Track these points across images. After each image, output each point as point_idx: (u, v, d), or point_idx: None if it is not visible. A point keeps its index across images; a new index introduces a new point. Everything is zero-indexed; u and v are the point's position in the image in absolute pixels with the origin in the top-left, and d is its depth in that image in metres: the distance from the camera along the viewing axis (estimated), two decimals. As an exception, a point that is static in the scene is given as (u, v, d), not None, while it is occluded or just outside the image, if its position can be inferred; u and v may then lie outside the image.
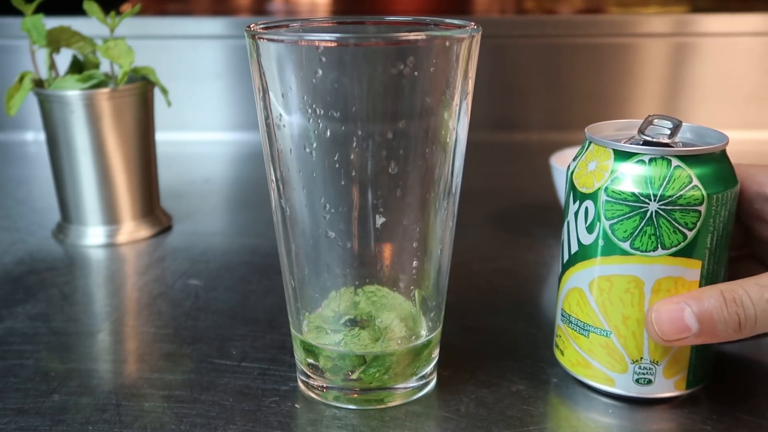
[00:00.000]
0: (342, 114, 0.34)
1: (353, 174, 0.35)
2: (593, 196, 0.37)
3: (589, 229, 0.37)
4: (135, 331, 0.48)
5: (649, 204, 0.35)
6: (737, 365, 0.44)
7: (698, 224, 0.35)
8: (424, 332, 0.39)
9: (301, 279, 0.39)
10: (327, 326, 0.39)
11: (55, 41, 0.59)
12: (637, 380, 0.37)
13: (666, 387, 0.38)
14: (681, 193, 0.35)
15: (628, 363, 0.37)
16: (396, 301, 0.38)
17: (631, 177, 0.36)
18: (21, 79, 0.59)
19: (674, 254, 0.35)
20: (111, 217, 0.62)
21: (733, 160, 0.38)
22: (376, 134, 0.35)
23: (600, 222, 0.36)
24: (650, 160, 0.35)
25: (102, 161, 0.60)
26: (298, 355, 0.40)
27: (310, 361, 0.39)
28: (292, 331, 0.40)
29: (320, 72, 0.33)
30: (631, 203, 0.35)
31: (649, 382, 0.37)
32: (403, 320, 0.38)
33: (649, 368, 0.37)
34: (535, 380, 0.41)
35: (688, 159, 0.35)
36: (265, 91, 0.35)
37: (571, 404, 0.39)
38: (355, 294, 0.38)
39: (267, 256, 0.59)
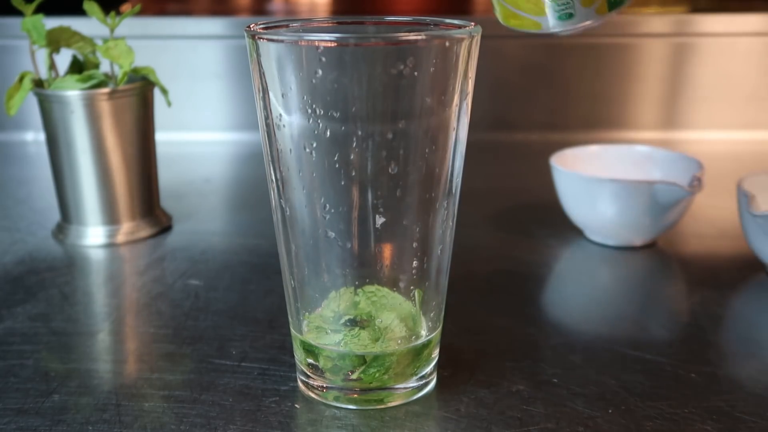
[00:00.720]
0: (342, 114, 0.34)
1: (353, 174, 0.35)
2: None
3: None
4: (135, 331, 0.48)
5: None
6: (737, 364, 0.44)
7: None
8: (424, 332, 0.39)
9: (301, 279, 0.39)
10: (327, 326, 0.39)
11: (55, 41, 0.59)
12: (559, 17, 0.38)
13: (588, 15, 0.38)
14: None
15: (546, 3, 0.38)
16: (396, 301, 0.38)
17: None
18: (21, 79, 0.59)
19: None
20: (111, 217, 0.62)
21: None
22: (376, 134, 0.35)
23: None
24: None
25: (102, 161, 0.60)
26: (298, 355, 0.40)
27: (310, 361, 0.39)
28: (292, 331, 0.40)
29: (320, 72, 0.33)
30: None
31: (571, 15, 0.38)
32: (403, 320, 0.38)
33: (567, 3, 0.37)
34: (535, 380, 0.41)
35: None
36: (265, 91, 0.35)
37: (571, 404, 0.39)
38: (355, 294, 0.38)
39: (267, 256, 0.59)
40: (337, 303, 0.38)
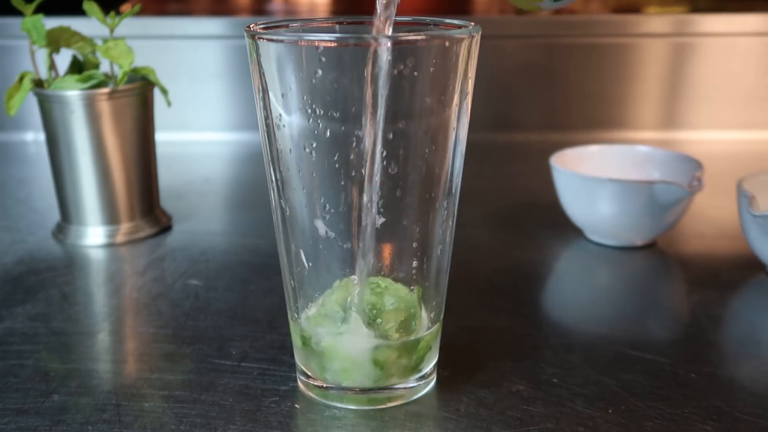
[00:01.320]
0: (342, 114, 0.34)
1: (353, 174, 0.35)
2: None
3: None
4: (135, 331, 0.48)
5: None
6: (737, 364, 0.44)
7: None
8: (423, 331, 0.39)
9: (300, 279, 0.39)
10: (327, 315, 0.38)
11: (54, 41, 0.59)
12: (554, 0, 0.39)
13: None
14: None
15: None
16: (398, 293, 0.38)
17: None
18: (21, 79, 0.59)
19: None
20: (111, 217, 0.62)
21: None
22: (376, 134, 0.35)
23: None
24: None
25: (102, 161, 0.60)
26: (298, 357, 0.40)
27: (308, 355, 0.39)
28: (292, 332, 0.40)
29: (320, 72, 0.33)
30: None
31: None
32: (405, 310, 0.38)
33: None
34: (535, 380, 0.41)
35: None
36: (264, 91, 0.35)
37: (571, 404, 0.39)
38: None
39: (266, 256, 0.59)
40: (338, 293, 0.38)
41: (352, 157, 0.35)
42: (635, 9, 1.12)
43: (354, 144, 0.35)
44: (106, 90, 0.59)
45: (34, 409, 0.39)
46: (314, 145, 0.35)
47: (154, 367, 0.43)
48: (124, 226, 0.62)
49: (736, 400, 0.40)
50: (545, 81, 0.97)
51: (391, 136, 0.35)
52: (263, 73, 0.35)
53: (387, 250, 0.37)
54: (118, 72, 0.60)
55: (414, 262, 0.38)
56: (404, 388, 0.39)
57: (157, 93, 0.63)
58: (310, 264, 0.38)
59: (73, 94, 0.58)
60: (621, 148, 0.66)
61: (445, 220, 0.38)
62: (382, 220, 0.36)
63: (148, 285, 0.54)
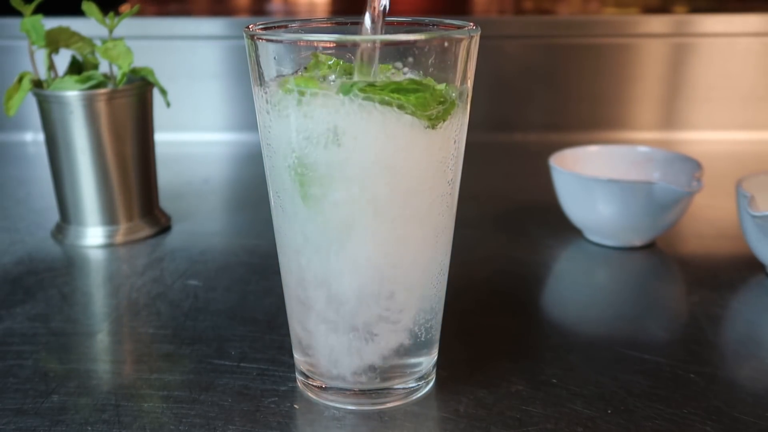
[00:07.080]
0: (341, 114, 0.34)
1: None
2: None
3: None
4: (134, 332, 0.48)
5: None
6: (736, 365, 0.44)
7: None
8: None
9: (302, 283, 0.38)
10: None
11: (54, 42, 0.59)
12: None
13: None
14: None
15: None
16: None
17: None
18: (20, 79, 0.59)
19: None
20: (110, 218, 0.62)
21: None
22: (375, 134, 0.34)
23: None
24: None
25: (101, 162, 0.60)
26: None
27: None
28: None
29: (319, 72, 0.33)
30: None
31: None
32: None
33: None
34: (534, 380, 0.41)
35: None
36: (264, 91, 0.35)
37: (570, 405, 0.39)
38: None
39: (266, 256, 0.59)
40: None
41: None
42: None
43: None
44: (105, 90, 0.58)
45: (33, 409, 0.39)
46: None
47: (153, 368, 0.43)
48: (123, 227, 0.62)
49: (735, 400, 0.40)
50: (545, 81, 0.97)
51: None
52: (262, 74, 0.35)
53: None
54: (117, 72, 0.60)
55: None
56: (403, 388, 0.39)
57: (156, 93, 0.63)
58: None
59: (72, 94, 0.58)
60: (621, 148, 0.66)
61: (445, 221, 0.38)
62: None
63: (147, 285, 0.54)
